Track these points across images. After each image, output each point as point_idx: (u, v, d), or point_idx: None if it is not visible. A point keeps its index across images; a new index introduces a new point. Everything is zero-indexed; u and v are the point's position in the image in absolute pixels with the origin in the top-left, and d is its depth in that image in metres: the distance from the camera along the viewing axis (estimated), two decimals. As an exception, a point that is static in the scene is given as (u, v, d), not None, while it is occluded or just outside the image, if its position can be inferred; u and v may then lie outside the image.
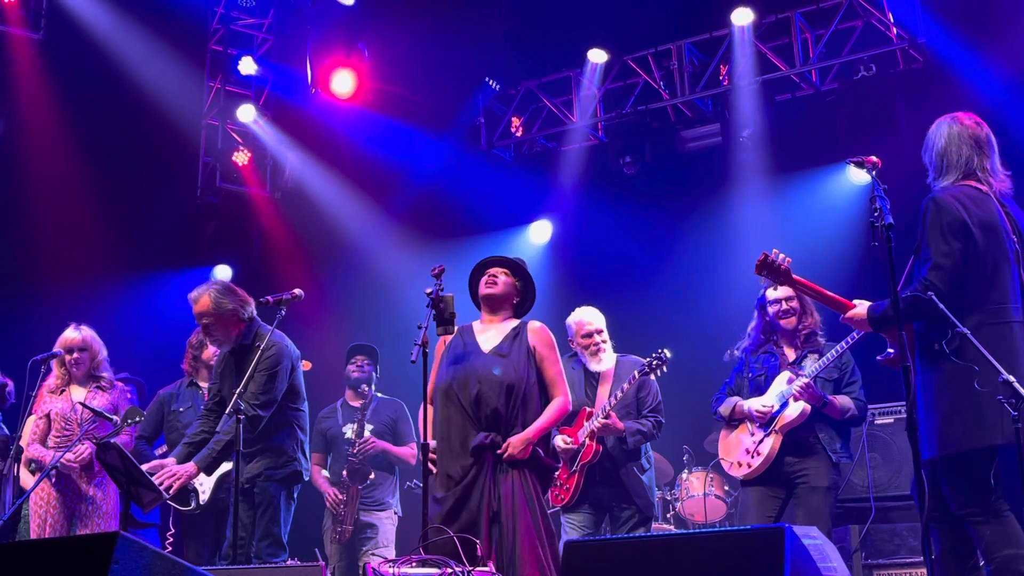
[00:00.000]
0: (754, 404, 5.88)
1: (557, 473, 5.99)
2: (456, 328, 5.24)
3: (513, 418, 5.02)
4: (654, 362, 6.25)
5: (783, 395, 5.79)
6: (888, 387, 6.56)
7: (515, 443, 4.95)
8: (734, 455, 5.96)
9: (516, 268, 5.36)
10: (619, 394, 6.26)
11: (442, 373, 5.19)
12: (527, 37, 9.76)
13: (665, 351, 6.27)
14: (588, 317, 6.52)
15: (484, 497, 4.87)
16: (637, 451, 6.38)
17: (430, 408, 5.23)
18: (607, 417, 6.18)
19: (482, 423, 5.00)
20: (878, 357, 4.68)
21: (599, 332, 6.48)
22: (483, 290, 5.30)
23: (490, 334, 5.26)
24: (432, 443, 5.06)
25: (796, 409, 5.77)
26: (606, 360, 6.47)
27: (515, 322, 5.31)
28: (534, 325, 5.30)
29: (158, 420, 6.88)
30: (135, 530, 7.54)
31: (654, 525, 7.85)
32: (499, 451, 4.95)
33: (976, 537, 4.28)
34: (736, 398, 6.01)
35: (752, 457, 5.83)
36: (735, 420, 6.00)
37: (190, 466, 5.63)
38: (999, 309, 4.31)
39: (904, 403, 4.40)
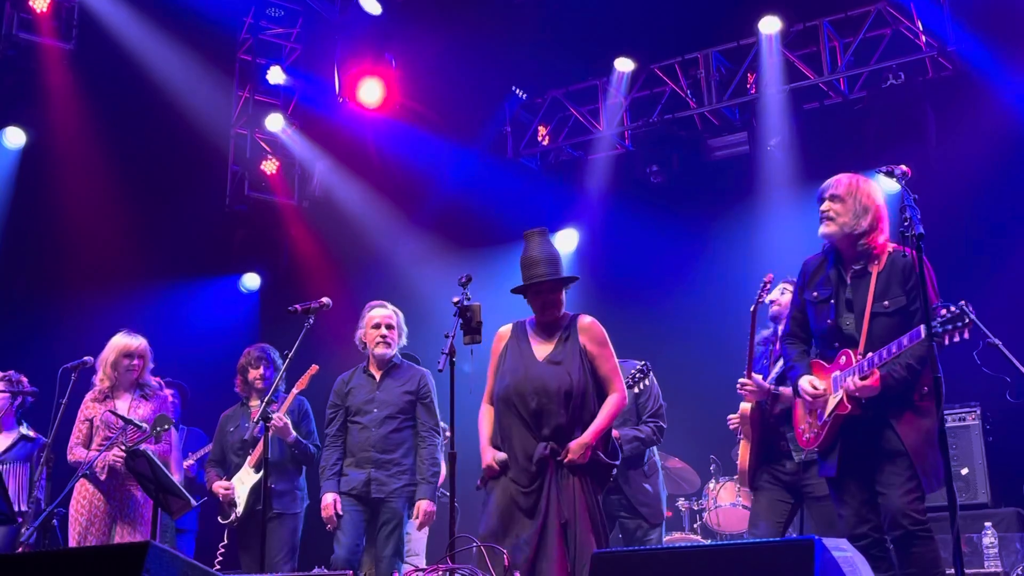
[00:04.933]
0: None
1: None
2: (511, 327, 5.24)
3: (574, 425, 4.96)
4: (637, 375, 6.16)
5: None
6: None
7: (574, 449, 4.88)
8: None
9: (563, 283, 5.21)
10: None
11: (501, 379, 5.13)
12: (554, 46, 9.75)
13: (646, 363, 6.20)
14: None
15: (552, 506, 4.84)
16: (638, 457, 6.29)
17: (491, 409, 5.19)
18: None
19: (543, 435, 4.95)
20: (839, 411, 4.62)
21: None
22: (542, 318, 5.18)
23: (543, 339, 5.16)
24: (502, 455, 4.99)
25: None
26: None
27: (565, 320, 5.20)
28: (584, 322, 5.17)
29: (222, 443, 6.96)
30: (177, 535, 7.65)
31: (681, 535, 7.81)
32: (559, 458, 4.91)
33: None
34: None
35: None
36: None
37: (426, 504, 6.22)
38: None
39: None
